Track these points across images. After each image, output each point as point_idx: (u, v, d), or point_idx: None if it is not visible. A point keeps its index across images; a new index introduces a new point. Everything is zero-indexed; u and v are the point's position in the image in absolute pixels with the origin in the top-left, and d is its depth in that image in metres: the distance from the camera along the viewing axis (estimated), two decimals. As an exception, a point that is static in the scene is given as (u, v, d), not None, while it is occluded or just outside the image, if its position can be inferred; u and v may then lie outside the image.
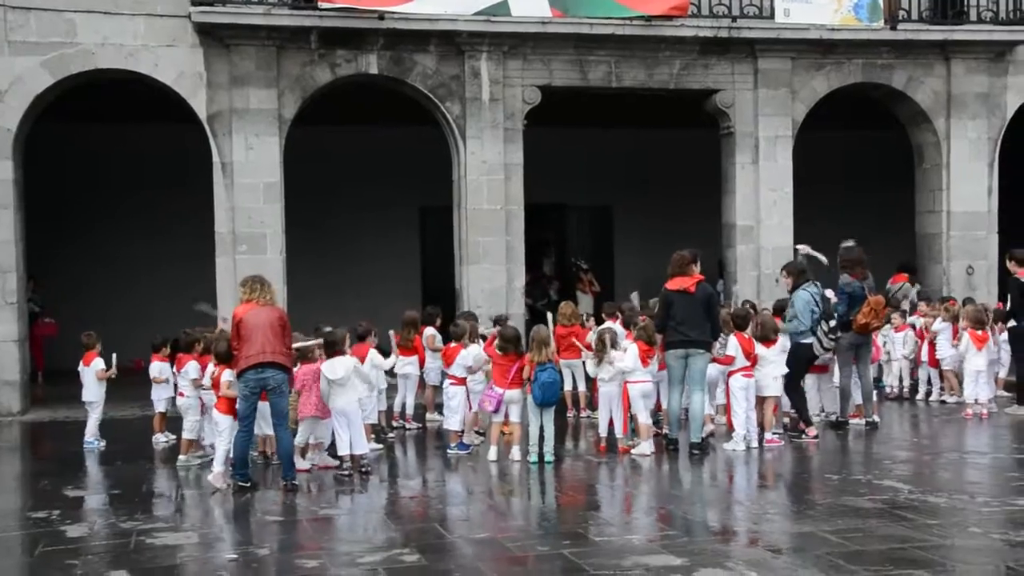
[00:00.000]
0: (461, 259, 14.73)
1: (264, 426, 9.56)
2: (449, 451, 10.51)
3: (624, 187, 19.64)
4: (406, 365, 12.09)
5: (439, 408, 12.31)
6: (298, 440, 9.63)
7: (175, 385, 10.92)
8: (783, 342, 10.98)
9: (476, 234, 14.52)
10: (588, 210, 20.42)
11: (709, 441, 10.55)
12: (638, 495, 8.72)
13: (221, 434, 9.12)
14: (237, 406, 9.04)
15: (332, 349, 9.51)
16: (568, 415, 12.73)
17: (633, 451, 10.27)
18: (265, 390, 8.92)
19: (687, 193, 18.90)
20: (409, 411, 12.23)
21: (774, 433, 10.75)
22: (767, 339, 10.73)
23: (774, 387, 10.72)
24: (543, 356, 9.85)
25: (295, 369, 9.49)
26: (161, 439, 11.30)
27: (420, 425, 12.21)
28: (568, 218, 20.71)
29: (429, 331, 12.53)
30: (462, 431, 10.73)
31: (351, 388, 9.40)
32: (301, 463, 9.55)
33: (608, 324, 12.24)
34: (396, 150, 18.26)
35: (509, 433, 10.02)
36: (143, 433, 11.50)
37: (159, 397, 11.40)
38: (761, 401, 10.73)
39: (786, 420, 11.42)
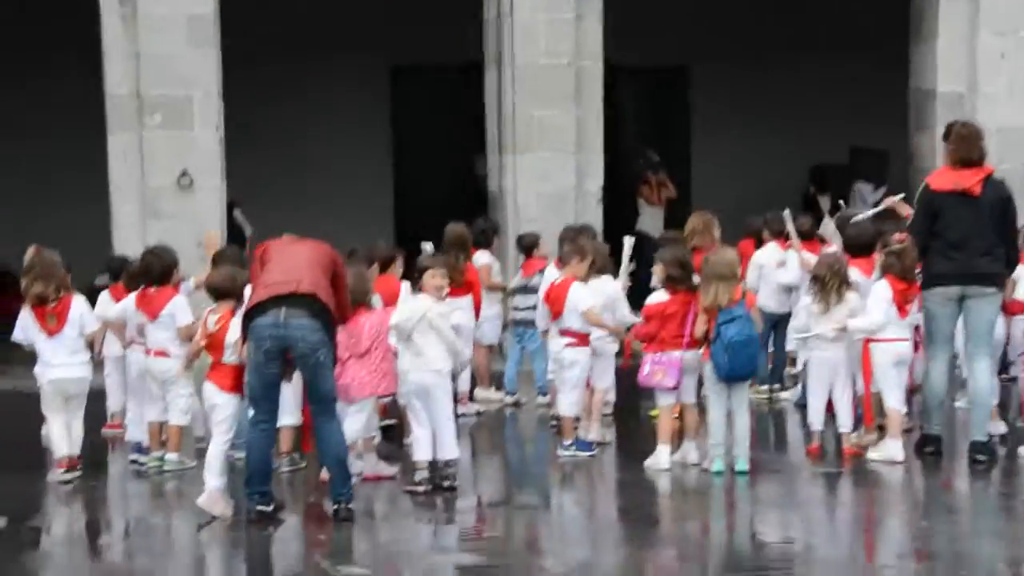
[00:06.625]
0: (503, 145, 14.78)
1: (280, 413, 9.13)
2: (562, 452, 10.23)
3: (711, 32, 18.76)
4: (455, 311, 11.49)
5: (498, 380, 12.41)
6: (355, 432, 9.24)
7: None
8: None
9: (530, 105, 14.55)
10: (647, 75, 19.73)
11: (998, 442, 10.15)
12: (884, 533, 8.67)
13: (220, 424, 8.82)
14: (247, 379, 8.61)
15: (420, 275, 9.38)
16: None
17: (872, 453, 9.87)
18: (291, 354, 8.43)
19: (838, 48, 17.96)
20: (464, 385, 11.97)
21: None
22: None
23: None
24: (725, 298, 9.45)
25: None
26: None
27: (479, 410, 12.18)
28: (616, 87, 19.75)
29: (483, 258, 12.20)
30: (579, 419, 10.38)
31: (428, 348, 9.16)
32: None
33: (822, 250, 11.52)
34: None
35: (677, 417, 9.90)
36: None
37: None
38: None
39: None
